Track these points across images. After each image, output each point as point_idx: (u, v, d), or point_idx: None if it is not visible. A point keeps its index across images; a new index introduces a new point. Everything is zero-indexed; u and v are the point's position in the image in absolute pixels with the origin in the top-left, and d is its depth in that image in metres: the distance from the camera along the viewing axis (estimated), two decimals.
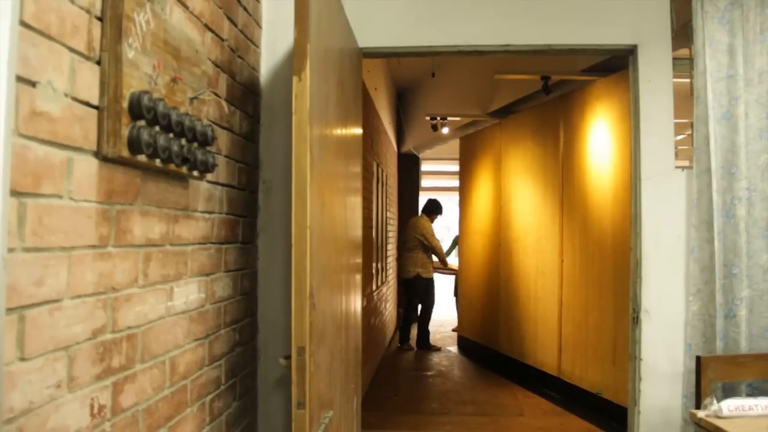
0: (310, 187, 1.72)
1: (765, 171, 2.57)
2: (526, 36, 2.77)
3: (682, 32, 2.72)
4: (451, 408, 5.10)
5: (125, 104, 1.33)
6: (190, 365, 1.83)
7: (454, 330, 8.19)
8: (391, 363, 6.90)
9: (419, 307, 7.60)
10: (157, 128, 1.45)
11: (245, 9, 2.43)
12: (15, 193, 1.04)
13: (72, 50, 1.21)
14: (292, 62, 1.73)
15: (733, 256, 2.56)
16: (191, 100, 1.69)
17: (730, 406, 2.27)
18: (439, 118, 7.44)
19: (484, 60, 4.92)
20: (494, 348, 6.23)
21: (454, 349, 7.53)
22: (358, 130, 2.92)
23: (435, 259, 7.62)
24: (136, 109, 1.35)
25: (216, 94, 2.06)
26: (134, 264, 1.49)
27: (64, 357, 1.19)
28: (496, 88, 6.37)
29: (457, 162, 7.83)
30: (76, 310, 1.24)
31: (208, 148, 1.80)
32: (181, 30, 1.65)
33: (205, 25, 1.95)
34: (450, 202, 9.83)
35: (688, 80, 2.74)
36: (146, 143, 1.37)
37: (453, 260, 8.42)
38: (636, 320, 2.71)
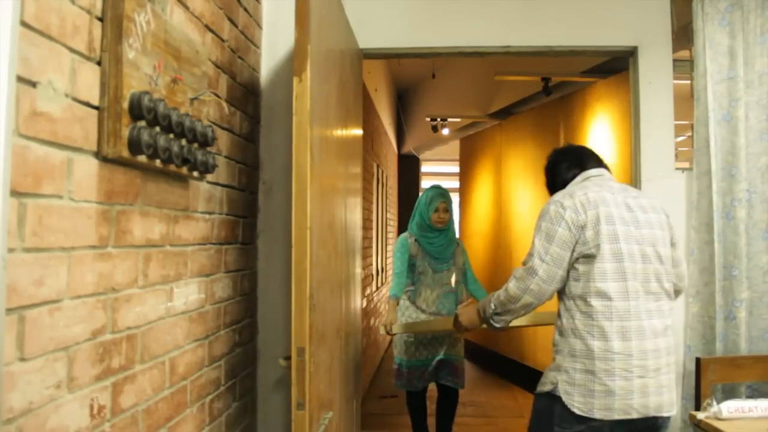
0: (310, 187, 1.72)
1: (765, 173, 2.57)
2: (526, 37, 2.77)
3: (683, 34, 2.72)
4: None
5: (126, 105, 1.33)
6: (189, 366, 1.83)
7: None
8: (391, 364, 6.89)
9: None
10: (158, 129, 1.45)
11: (246, 10, 2.43)
12: (15, 193, 1.04)
13: (72, 50, 1.21)
14: (293, 63, 1.74)
15: (732, 258, 2.56)
16: (192, 100, 1.69)
17: (729, 407, 2.27)
18: (439, 119, 7.44)
19: (484, 61, 4.93)
20: (494, 349, 6.23)
21: None
22: (359, 131, 2.92)
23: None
24: (137, 110, 1.35)
25: (216, 95, 2.06)
26: (134, 264, 1.49)
27: (64, 357, 1.19)
28: (497, 89, 6.37)
29: (458, 163, 7.83)
30: (76, 310, 1.24)
31: (209, 148, 1.80)
32: (181, 30, 1.65)
33: (206, 26, 1.95)
34: None
35: (688, 82, 2.74)
36: (146, 144, 1.37)
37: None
38: None
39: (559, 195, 1.97)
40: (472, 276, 3.66)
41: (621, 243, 1.85)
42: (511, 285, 1.94)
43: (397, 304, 3.50)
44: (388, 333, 3.40)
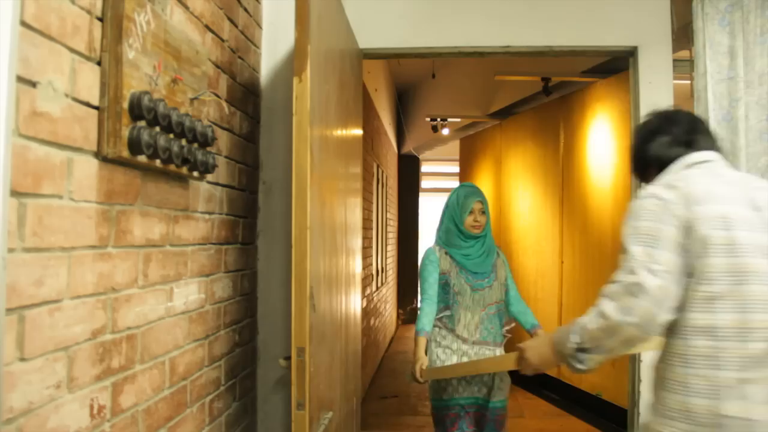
0: (311, 188, 1.72)
1: (765, 173, 2.57)
2: (526, 37, 2.77)
3: (683, 34, 2.72)
4: None
5: (125, 105, 1.33)
6: (189, 366, 1.83)
7: None
8: (391, 364, 6.90)
9: None
10: (158, 129, 1.45)
11: (246, 10, 2.43)
12: (15, 193, 1.04)
13: (72, 51, 1.21)
14: (293, 63, 1.74)
15: None
16: (192, 100, 1.69)
17: None
18: (439, 120, 7.45)
19: (484, 61, 4.94)
20: None
21: None
22: (359, 131, 2.92)
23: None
24: (137, 110, 1.35)
25: (216, 95, 2.06)
26: (134, 264, 1.49)
27: (64, 357, 1.19)
28: (497, 89, 6.37)
29: (458, 163, 7.83)
30: (76, 310, 1.24)
31: (209, 148, 1.80)
32: (181, 30, 1.65)
33: (206, 26, 1.95)
34: None
35: (688, 82, 2.74)
36: (146, 144, 1.37)
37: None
38: None
39: (652, 187, 1.41)
40: (515, 294, 2.82)
41: (745, 256, 1.29)
42: (608, 309, 1.34)
43: (427, 341, 2.58)
44: (418, 381, 2.51)
